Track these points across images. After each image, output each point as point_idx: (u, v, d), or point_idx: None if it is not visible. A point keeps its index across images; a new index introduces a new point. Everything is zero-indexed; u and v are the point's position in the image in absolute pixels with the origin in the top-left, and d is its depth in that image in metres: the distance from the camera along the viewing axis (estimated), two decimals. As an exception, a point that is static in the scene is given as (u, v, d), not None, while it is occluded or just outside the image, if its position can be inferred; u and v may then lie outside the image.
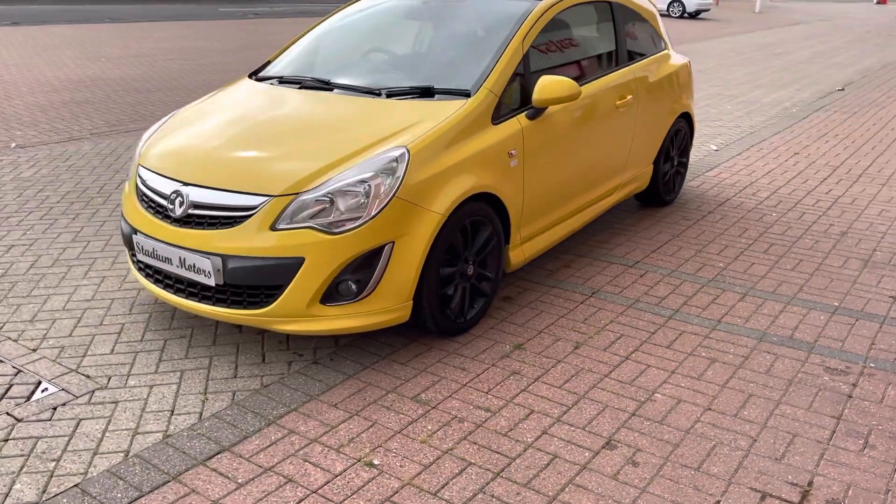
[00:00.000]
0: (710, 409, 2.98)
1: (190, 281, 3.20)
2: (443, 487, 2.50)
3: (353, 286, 3.10)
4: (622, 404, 3.00)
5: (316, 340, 3.47)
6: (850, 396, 3.08)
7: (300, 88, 3.90)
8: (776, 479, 2.57)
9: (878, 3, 68.09)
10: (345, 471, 2.57)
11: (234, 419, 2.85)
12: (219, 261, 3.06)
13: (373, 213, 3.05)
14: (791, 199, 5.80)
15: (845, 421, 2.91)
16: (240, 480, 2.51)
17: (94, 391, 3.04)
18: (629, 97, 4.62)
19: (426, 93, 3.62)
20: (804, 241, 4.89)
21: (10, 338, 3.45)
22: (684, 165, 5.73)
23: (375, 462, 2.62)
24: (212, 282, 3.10)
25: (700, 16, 30.74)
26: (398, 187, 3.10)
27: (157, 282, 3.38)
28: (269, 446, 2.70)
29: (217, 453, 2.65)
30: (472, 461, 2.63)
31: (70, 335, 3.49)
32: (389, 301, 3.17)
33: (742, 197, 5.82)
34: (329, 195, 3.04)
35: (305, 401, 2.99)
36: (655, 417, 2.91)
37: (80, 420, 2.85)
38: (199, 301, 3.22)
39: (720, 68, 13.93)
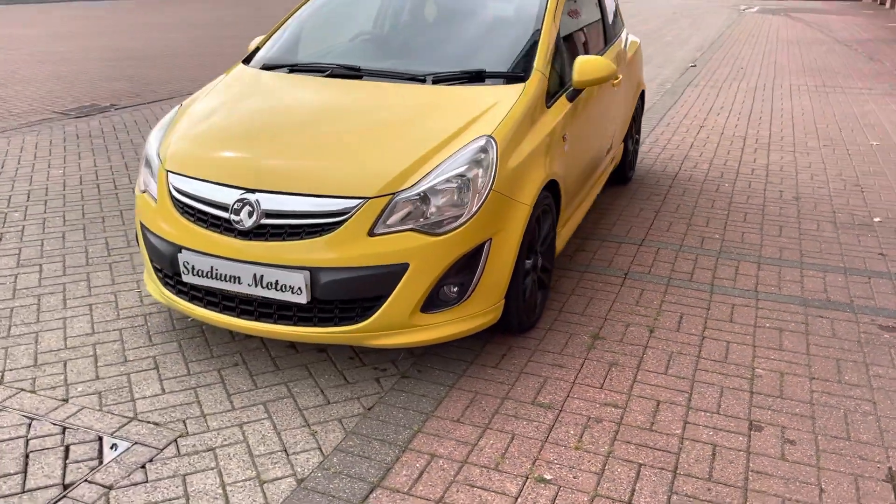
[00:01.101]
0: (814, 378, 3.05)
1: (264, 300, 2.80)
2: (633, 493, 2.36)
3: (455, 290, 2.86)
4: (734, 384, 3.00)
5: (391, 352, 3.18)
6: (919, 351, 3.29)
7: (329, 76, 3.52)
8: (922, 438, 2.68)
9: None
10: (521, 491, 2.37)
11: (363, 450, 2.54)
12: (308, 275, 2.70)
13: (474, 210, 2.82)
14: (730, 169, 6.12)
15: (934, 375, 3.10)
16: (422, 520, 2.24)
17: (176, 440, 2.59)
18: (620, 76, 4.63)
19: (475, 77, 3.39)
20: (770, 208, 5.16)
21: (23, 389, 2.87)
22: (638, 142, 5.87)
23: (547, 477, 2.43)
24: (302, 299, 2.72)
25: None
26: (493, 179, 2.89)
27: (208, 304, 2.93)
28: (420, 476, 2.43)
29: (370, 492, 2.35)
30: (641, 461, 2.52)
31: (97, 377, 2.96)
32: (486, 303, 2.96)
33: (687, 170, 6.05)
34: (427, 193, 2.77)
35: (424, 419, 2.72)
36: (773, 393, 2.94)
37: (185, 476, 2.41)
38: (274, 322, 2.83)
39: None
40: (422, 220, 2.74)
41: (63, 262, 4.02)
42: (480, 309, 2.95)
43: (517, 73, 3.40)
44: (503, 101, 3.20)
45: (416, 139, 2.95)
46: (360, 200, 2.72)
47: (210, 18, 18.20)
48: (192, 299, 2.98)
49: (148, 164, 3.21)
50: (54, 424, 2.64)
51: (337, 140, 2.98)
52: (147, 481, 2.38)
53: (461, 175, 2.82)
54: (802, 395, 2.93)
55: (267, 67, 3.72)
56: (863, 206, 5.25)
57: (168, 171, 3.02)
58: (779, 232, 4.72)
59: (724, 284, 3.92)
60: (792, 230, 4.75)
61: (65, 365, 3.05)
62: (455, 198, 2.79)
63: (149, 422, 2.68)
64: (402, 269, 2.72)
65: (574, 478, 2.43)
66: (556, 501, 2.33)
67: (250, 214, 2.76)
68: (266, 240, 2.75)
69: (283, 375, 3.01)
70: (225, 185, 2.84)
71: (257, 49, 3.96)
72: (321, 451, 2.56)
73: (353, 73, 3.52)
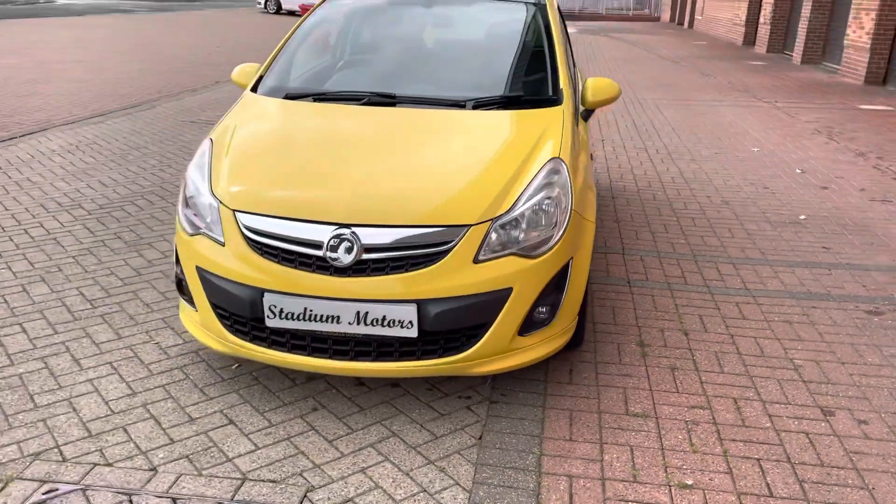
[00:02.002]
0: (844, 363, 3.38)
1: (363, 338, 2.70)
2: (770, 487, 2.52)
3: (545, 311, 2.90)
4: (785, 375, 3.26)
5: (467, 379, 3.16)
6: (914, 330, 3.73)
7: (365, 104, 3.44)
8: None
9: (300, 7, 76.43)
10: (673, 500, 2.45)
11: (502, 480, 2.52)
12: (416, 307, 2.64)
13: (562, 230, 2.89)
14: (653, 179, 6.56)
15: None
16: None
17: (306, 495, 2.43)
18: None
19: (511, 102, 3.46)
20: (709, 213, 5.61)
21: (96, 463, 2.57)
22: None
23: (688, 482, 2.54)
24: (412, 332, 2.65)
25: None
26: (572, 200, 2.98)
27: (293, 348, 2.77)
28: (572, 499, 2.45)
29: (537, 521, 2.34)
30: (757, 456, 2.69)
31: (171, 440, 2.71)
32: (567, 321, 3.03)
33: (617, 182, 6.42)
34: (522, 216, 2.80)
35: (538, 442, 2.74)
36: (821, 380, 3.23)
37: (343, 532, 2.28)
38: (373, 360, 2.73)
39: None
40: (519, 243, 2.77)
41: (45, 319, 3.60)
42: (562, 328, 3.01)
43: (551, 97, 3.50)
44: (551, 124, 3.28)
45: (492, 165, 2.97)
46: (463, 228, 2.70)
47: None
48: (272, 344, 2.79)
49: (191, 204, 2.98)
50: (161, 497, 2.39)
51: (416, 169, 2.93)
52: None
53: (549, 197, 2.87)
54: (846, 378, 3.24)
55: (290, 97, 3.56)
56: (781, 205, 5.83)
57: (236, 210, 2.82)
58: (730, 234, 5.14)
59: (716, 285, 4.23)
60: (740, 231, 5.19)
61: (126, 431, 2.75)
62: (547, 220, 2.83)
63: (264, 480, 2.49)
64: (506, 294, 2.73)
65: (710, 480, 2.55)
66: (720, 501, 2.43)
67: (349, 250, 2.65)
68: (367, 275, 2.65)
69: (373, 415, 2.90)
70: (315, 221, 2.70)
71: (260, 77, 3.78)
72: (461, 486, 2.50)
73: (387, 100, 3.46)
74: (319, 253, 2.67)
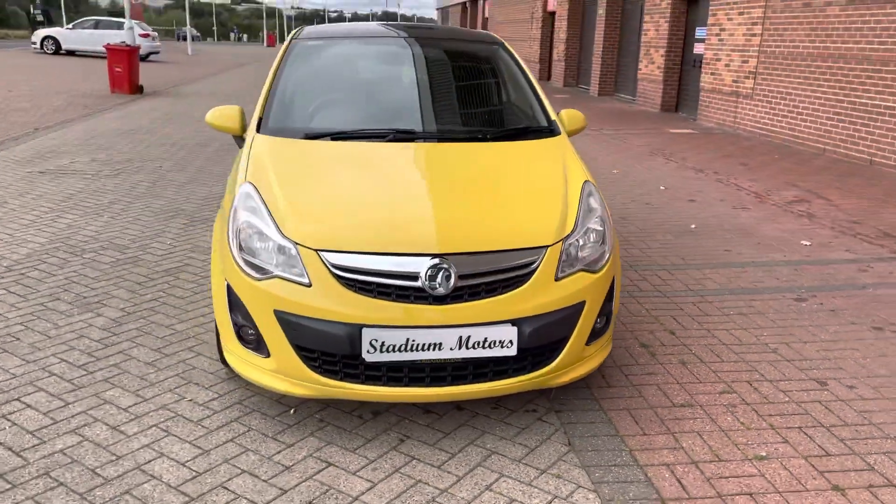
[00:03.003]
0: (811, 342, 3.97)
1: (461, 363, 2.82)
2: (824, 449, 2.97)
3: (602, 320, 3.19)
4: (769, 357, 3.78)
5: (521, 394, 3.34)
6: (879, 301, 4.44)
7: (390, 141, 3.53)
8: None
9: (267, 45, 76.67)
10: (760, 470, 2.82)
11: (617, 477, 2.74)
12: (516, 327, 2.82)
13: (611, 245, 3.20)
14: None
15: None
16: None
17: (457, 518, 2.51)
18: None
19: (521, 133, 3.73)
20: (619, 228, 6.21)
21: (223, 523, 2.46)
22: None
23: (763, 454, 2.92)
24: (512, 350, 2.82)
25: (150, 58, 30.52)
26: (609, 217, 3.30)
27: (390, 381, 2.82)
28: (682, 484, 2.74)
29: (667, 505, 2.60)
30: (797, 425, 3.13)
31: (284, 490, 2.64)
32: (611, 329, 3.34)
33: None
34: (583, 235, 3.08)
35: (620, 439, 3.00)
36: (799, 357, 3.79)
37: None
38: (469, 383, 2.86)
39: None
40: (583, 260, 3.03)
41: (44, 391, 3.28)
42: (609, 336, 3.31)
43: (548, 127, 3.81)
44: (565, 151, 3.60)
45: (541, 190, 3.21)
46: (543, 249, 2.92)
47: None
48: (367, 380, 2.82)
49: (248, 249, 2.93)
50: (315, 544, 2.34)
51: (481, 197, 3.10)
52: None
53: (598, 216, 3.17)
54: (815, 354, 3.82)
55: (311, 136, 3.56)
56: (668, 218, 6.58)
57: (320, 251, 2.82)
58: (647, 244, 5.74)
59: (666, 289, 4.74)
60: (652, 242, 5.81)
61: (227, 489, 2.63)
62: (597, 237, 3.12)
63: (405, 511, 2.52)
64: (581, 307, 2.97)
65: (776, 449, 2.95)
66: (790, 469, 2.82)
67: (447, 278, 2.76)
68: (465, 301, 2.78)
69: (461, 438, 2.99)
70: (410, 254, 2.78)
71: (260, 118, 3.73)
72: (584, 487, 2.69)
73: (408, 136, 3.58)
74: (417, 284, 2.75)
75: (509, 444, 2.95)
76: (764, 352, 3.83)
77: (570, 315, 2.93)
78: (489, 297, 2.80)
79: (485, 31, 4.65)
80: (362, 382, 2.81)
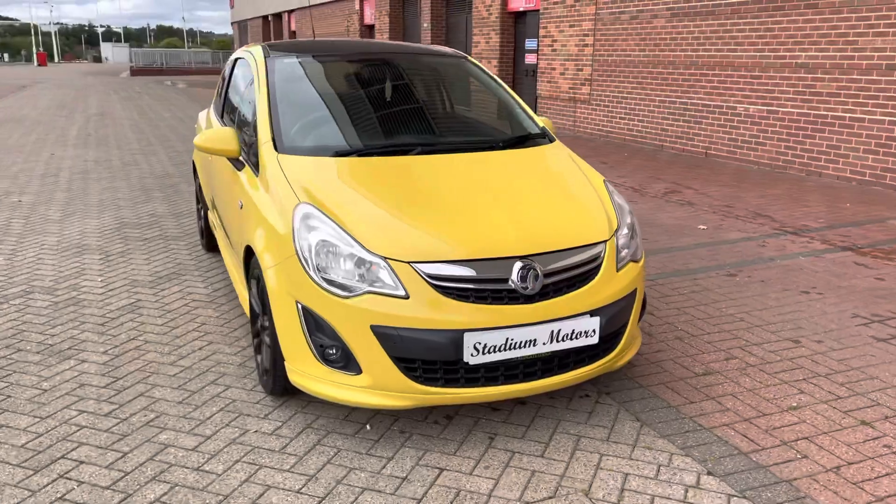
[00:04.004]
0: (766, 308, 4.57)
1: (551, 356, 3.02)
2: (833, 392, 3.50)
3: (642, 305, 3.52)
4: (742, 325, 4.32)
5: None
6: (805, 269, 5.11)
7: (418, 154, 3.62)
8: None
9: (38, 65, 70.68)
10: (799, 418, 3.28)
11: (701, 440, 3.08)
12: (598, 317, 3.07)
13: (640, 238, 3.54)
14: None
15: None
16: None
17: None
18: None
19: (525, 139, 3.98)
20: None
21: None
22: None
23: (794, 405, 3.39)
24: (594, 339, 3.06)
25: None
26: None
27: (488, 381, 2.97)
28: (749, 438, 3.14)
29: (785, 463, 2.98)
30: (803, 377, 3.65)
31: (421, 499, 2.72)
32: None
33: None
34: (626, 228, 3.39)
35: (675, 411, 3.35)
36: (765, 322, 4.35)
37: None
38: (556, 374, 3.06)
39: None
40: (629, 251, 3.34)
41: (86, 444, 3.05)
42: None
43: (543, 133, 4.09)
44: (569, 154, 3.89)
45: (577, 190, 3.47)
46: (603, 244, 3.19)
47: None
48: (467, 383, 2.93)
49: (325, 268, 2.94)
50: (486, 541, 2.45)
51: (531, 200, 3.29)
52: None
53: (630, 212, 3.49)
54: (775, 318, 4.41)
55: (340, 154, 3.56)
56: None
57: (412, 263, 2.89)
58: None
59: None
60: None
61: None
62: (634, 229, 3.45)
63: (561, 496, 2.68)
64: (634, 293, 3.28)
65: (800, 400, 3.42)
66: (820, 413, 3.30)
67: (535, 278, 2.95)
68: (551, 297, 2.98)
69: (543, 428, 3.18)
70: (499, 258, 2.93)
71: (272, 138, 3.67)
72: (679, 454, 2.99)
73: (430, 148, 3.69)
74: (509, 285, 2.91)
75: (588, 428, 3.18)
76: (734, 321, 4.35)
77: (629, 302, 3.22)
78: (570, 291, 3.01)
79: (441, 46, 4.83)
80: (463, 386, 2.91)
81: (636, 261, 3.33)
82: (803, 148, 9.10)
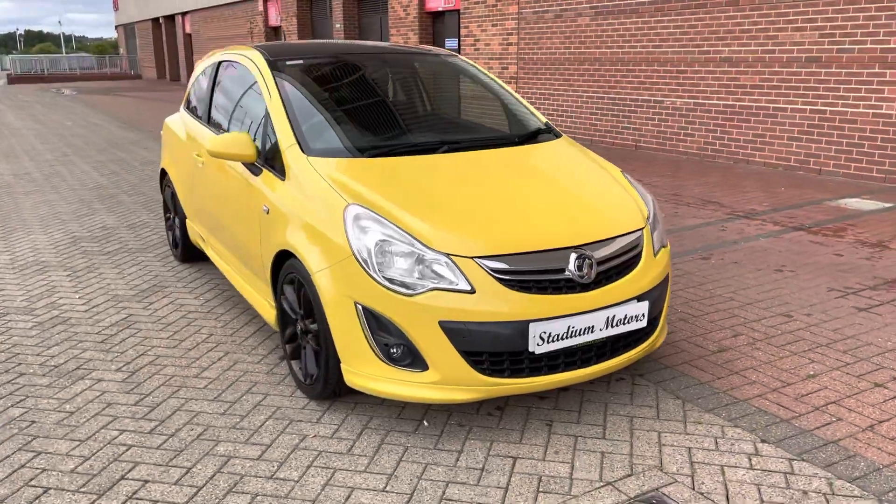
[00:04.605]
0: (750, 287, 4.86)
1: (605, 340, 3.15)
2: (840, 360, 3.79)
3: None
4: (735, 304, 4.58)
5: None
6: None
7: (449, 151, 3.66)
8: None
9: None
10: (820, 384, 3.54)
11: (742, 412, 3.28)
12: (647, 301, 3.22)
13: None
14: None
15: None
16: None
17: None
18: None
19: (537, 134, 4.10)
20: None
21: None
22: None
23: (811, 373, 3.65)
24: (644, 323, 3.21)
25: None
26: (647, 201, 3.82)
27: (550, 369, 3.07)
28: (781, 404, 3.37)
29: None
30: (808, 348, 3.92)
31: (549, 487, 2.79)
32: (659, 297, 3.86)
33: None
34: (654, 216, 3.56)
35: (709, 386, 3.55)
36: (753, 300, 4.64)
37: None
38: (609, 358, 3.19)
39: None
40: (658, 237, 3.51)
41: (146, 463, 2.95)
42: (658, 304, 3.82)
43: (547, 128, 4.22)
44: (581, 148, 4.03)
45: (603, 181, 3.61)
46: (640, 231, 3.34)
47: None
48: (531, 372, 3.02)
49: (386, 267, 2.96)
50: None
51: (567, 192, 3.40)
52: (727, 493, 2.70)
53: (652, 200, 3.67)
54: (761, 295, 4.70)
55: (371, 154, 3.56)
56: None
57: (476, 258, 2.94)
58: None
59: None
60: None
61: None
62: (656, 216, 3.63)
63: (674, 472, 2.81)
64: (668, 277, 3.46)
65: (814, 368, 3.68)
66: (836, 379, 3.57)
67: (590, 267, 3.07)
68: (604, 285, 3.11)
69: (594, 412, 3.30)
70: (556, 249, 3.03)
71: (297, 141, 3.64)
72: (729, 425, 3.17)
73: (454, 145, 3.75)
74: (566, 275, 3.02)
75: (636, 408, 3.32)
76: (726, 301, 4.61)
77: (665, 285, 3.38)
78: (619, 278, 3.14)
79: (427, 46, 4.89)
80: (528, 375, 2.99)
81: (664, 246, 3.49)
82: (730, 137, 9.64)
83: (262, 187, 3.67)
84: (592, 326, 3.03)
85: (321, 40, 4.77)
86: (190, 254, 5.51)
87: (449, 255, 2.93)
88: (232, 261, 4.30)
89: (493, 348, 2.91)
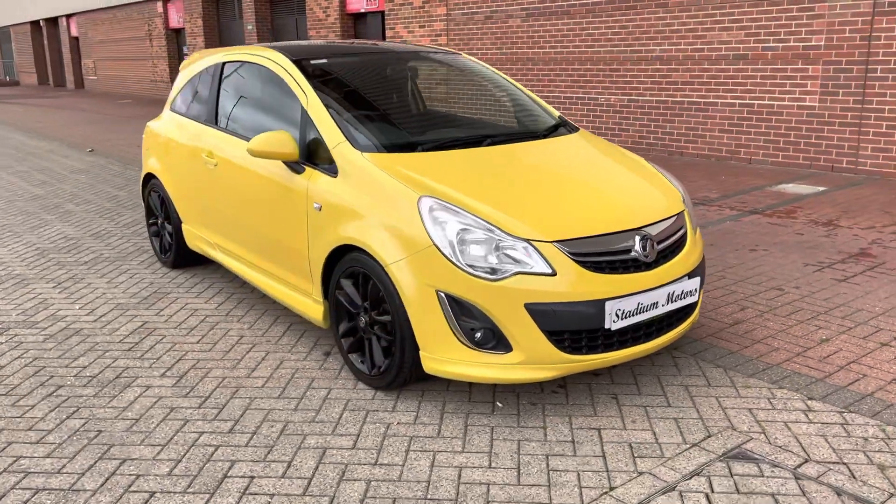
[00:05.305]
0: (736, 265, 5.26)
1: (665, 315, 3.39)
2: (844, 324, 4.19)
3: (691, 268, 3.99)
4: (730, 281, 4.95)
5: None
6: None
7: (489, 145, 3.81)
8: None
9: None
10: (835, 347, 3.92)
11: (781, 375, 3.61)
12: (698, 277, 3.49)
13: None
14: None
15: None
16: None
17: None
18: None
19: (555, 128, 4.31)
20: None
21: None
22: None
23: (824, 337, 4.03)
24: (695, 297, 3.48)
25: None
26: (671, 186, 4.11)
27: (621, 344, 3.28)
28: (800, 365, 3.72)
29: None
30: (811, 317, 4.31)
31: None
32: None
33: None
34: (687, 199, 3.84)
35: (738, 355, 3.86)
36: (743, 277, 5.03)
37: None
38: (667, 332, 3.43)
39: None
40: (692, 219, 3.79)
41: (246, 461, 2.97)
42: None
43: (563, 122, 4.44)
44: (603, 140, 4.28)
45: (637, 168, 3.86)
46: (682, 213, 3.61)
47: None
48: (606, 348, 3.22)
49: (468, 255, 3.09)
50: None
51: (613, 179, 3.62)
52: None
53: (680, 185, 3.95)
54: (748, 273, 5.10)
55: (425, 149, 3.65)
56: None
57: (555, 242, 3.12)
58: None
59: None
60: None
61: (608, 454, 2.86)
62: (688, 199, 3.91)
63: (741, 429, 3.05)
64: (703, 256, 3.74)
65: (825, 334, 4.06)
66: (846, 341, 3.95)
67: (651, 247, 3.31)
68: (661, 264, 3.35)
69: (650, 384, 3.54)
70: (622, 231, 3.24)
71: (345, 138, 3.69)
72: (776, 387, 3.48)
73: (495, 138, 3.90)
74: (634, 255, 3.24)
75: (686, 378, 3.58)
76: (720, 279, 4.97)
77: (704, 263, 3.66)
78: (673, 257, 3.39)
79: (427, 45, 5.01)
80: (602, 351, 3.19)
81: (695, 228, 3.77)
82: (664, 131, 10.20)
83: (307, 185, 3.70)
84: (657, 302, 3.25)
85: (324, 41, 4.80)
86: (182, 260, 5.41)
87: (529, 240, 3.09)
88: (258, 262, 4.27)
89: (574, 327, 3.08)
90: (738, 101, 9.29)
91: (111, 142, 13.33)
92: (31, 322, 4.52)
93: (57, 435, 3.18)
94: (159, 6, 24.26)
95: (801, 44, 8.60)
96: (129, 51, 27.00)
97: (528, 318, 3.04)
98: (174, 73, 24.44)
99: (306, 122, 3.84)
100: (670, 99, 10.02)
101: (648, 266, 3.26)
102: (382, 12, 14.89)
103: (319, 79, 4.04)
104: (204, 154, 4.66)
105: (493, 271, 3.05)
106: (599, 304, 3.09)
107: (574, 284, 3.07)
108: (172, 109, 5.37)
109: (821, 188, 7.75)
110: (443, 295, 3.10)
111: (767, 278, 4.94)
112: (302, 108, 3.90)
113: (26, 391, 3.60)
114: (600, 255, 3.16)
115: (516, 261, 3.07)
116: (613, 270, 3.17)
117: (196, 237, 5.01)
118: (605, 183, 3.57)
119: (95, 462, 2.96)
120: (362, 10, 15.43)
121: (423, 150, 3.67)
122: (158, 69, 24.96)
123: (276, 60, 4.24)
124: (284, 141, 3.71)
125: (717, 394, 3.40)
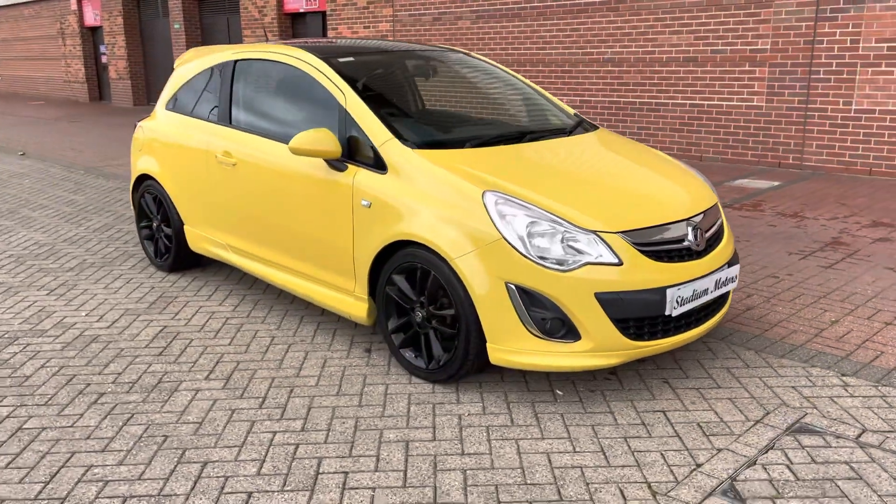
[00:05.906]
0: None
1: (712, 301, 3.58)
2: (844, 306, 4.50)
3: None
4: (727, 271, 5.22)
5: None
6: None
7: (529, 141, 3.90)
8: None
9: None
10: (845, 328, 4.21)
11: (805, 354, 3.85)
12: (737, 265, 3.69)
13: (711, 200, 4.22)
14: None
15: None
16: None
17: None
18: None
19: (577, 126, 4.45)
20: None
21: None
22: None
23: (833, 319, 4.32)
24: (735, 284, 3.68)
25: None
26: (691, 181, 4.31)
27: (677, 329, 3.45)
28: (820, 349, 3.98)
29: None
30: (813, 300, 4.61)
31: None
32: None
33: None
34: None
35: (765, 337, 4.10)
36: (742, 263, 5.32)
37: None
38: (712, 317, 3.62)
39: None
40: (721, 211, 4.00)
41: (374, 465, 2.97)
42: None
43: (581, 119, 4.59)
44: (618, 135, 4.45)
45: (668, 162, 4.03)
46: (716, 204, 3.81)
47: None
48: (665, 333, 3.38)
49: (537, 247, 3.19)
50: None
51: (652, 173, 3.78)
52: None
53: (705, 178, 4.15)
54: (742, 261, 5.39)
55: (473, 145, 3.72)
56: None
57: (620, 233, 3.25)
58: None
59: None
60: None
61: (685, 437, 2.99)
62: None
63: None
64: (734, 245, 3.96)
65: (833, 314, 4.35)
66: (854, 322, 4.25)
67: (702, 236, 3.48)
68: (707, 252, 3.54)
69: (695, 368, 3.72)
70: (676, 221, 3.40)
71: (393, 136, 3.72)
72: (808, 365, 3.71)
73: (533, 135, 4.01)
74: (687, 244, 3.41)
75: (726, 360, 3.77)
76: (716, 270, 5.22)
77: (736, 252, 3.87)
78: (716, 246, 3.58)
79: (433, 44, 5.07)
80: (662, 337, 3.35)
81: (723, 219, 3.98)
82: (617, 131, 10.53)
83: (353, 182, 3.70)
84: (707, 289, 3.43)
85: (341, 39, 4.78)
86: (181, 263, 5.27)
87: (596, 231, 3.20)
88: (285, 262, 4.22)
89: (639, 314, 3.22)
90: (688, 102, 9.70)
91: (42, 144, 12.73)
92: (40, 330, 4.33)
93: (121, 442, 3.08)
94: (73, 3, 23.22)
95: (749, 47, 9.07)
96: (37, 50, 25.75)
97: (598, 306, 3.15)
98: (90, 73, 23.49)
99: (345, 119, 3.84)
100: (622, 100, 10.37)
101: (699, 255, 3.43)
102: (324, 12, 14.77)
103: (353, 77, 4.04)
104: (218, 154, 4.56)
105: (562, 262, 3.15)
106: (662, 292, 3.23)
107: (640, 273, 3.21)
108: (169, 109, 5.23)
109: (775, 183, 8.20)
110: (513, 287, 3.17)
111: (760, 266, 5.22)
112: (340, 106, 3.89)
113: (66, 400, 3.46)
114: (660, 245, 3.30)
115: (581, 252, 3.18)
116: (671, 259, 3.32)
117: (202, 239, 4.90)
118: (650, 176, 3.73)
119: (175, 466, 2.90)
120: (301, 10, 15.25)
121: (472, 147, 3.73)
122: (72, 69, 23.90)
123: (304, 59, 4.21)
124: (327, 139, 3.70)
125: (759, 374, 3.60)
